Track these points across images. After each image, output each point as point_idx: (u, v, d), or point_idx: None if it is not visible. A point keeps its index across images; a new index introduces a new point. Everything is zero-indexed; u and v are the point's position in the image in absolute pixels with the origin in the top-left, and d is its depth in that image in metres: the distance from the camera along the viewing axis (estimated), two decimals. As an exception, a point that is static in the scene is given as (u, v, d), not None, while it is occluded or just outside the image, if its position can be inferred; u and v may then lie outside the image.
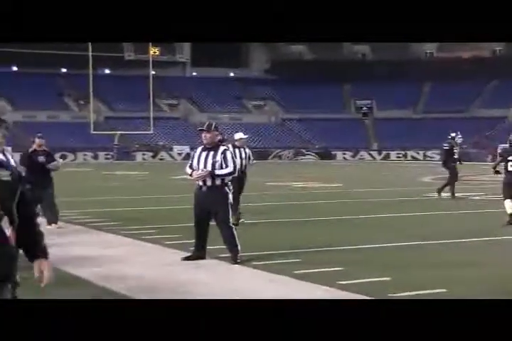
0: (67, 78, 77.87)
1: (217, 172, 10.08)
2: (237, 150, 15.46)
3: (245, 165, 15.42)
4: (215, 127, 10.28)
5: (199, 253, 10.20)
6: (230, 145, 15.61)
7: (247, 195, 17.74)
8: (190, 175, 10.26)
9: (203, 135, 10.29)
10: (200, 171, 10.10)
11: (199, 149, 10.39)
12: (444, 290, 8.03)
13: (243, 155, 15.54)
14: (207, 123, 10.43)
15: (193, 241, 10.29)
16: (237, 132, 17.10)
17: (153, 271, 9.35)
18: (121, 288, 8.25)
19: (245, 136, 16.05)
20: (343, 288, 8.13)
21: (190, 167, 10.30)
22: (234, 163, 10.21)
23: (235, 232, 10.11)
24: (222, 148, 10.31)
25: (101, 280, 8.76)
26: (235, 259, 9.97)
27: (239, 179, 15.27)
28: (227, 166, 10.14)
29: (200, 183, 10.15)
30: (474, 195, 21.58)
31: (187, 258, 10.16)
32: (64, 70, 79.95)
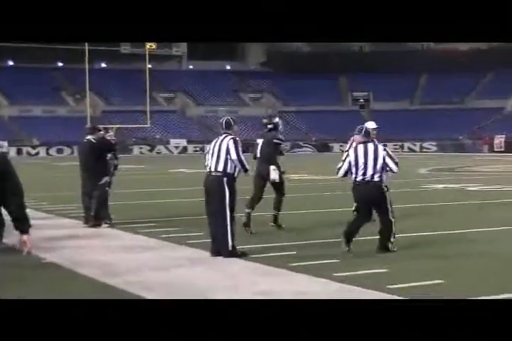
0: (63, 72, 77.67)
1: None
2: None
3: None
4: None
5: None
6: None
7: (244, 188, 17.70)
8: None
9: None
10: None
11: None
12: (442, 281, 8.04)
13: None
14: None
15: (192, 234, 10.09)
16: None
17: (149, 266, 9.34)
18: (119, 283, 8.25)
19: (376, 126, 13.18)
20: (339, 280, 8.13)
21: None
22: None
23: None
24: None
25: (99, 276, 8.76)
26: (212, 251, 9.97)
27: None
28: None
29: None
30: (471, 186, 21.58)
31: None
32: (60, 64, 79.79)
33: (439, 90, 77.24)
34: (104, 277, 8.59)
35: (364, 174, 10.00)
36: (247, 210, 12.20)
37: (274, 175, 12.47)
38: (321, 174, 29.87)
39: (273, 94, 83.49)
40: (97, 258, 9.96)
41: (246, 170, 9.92)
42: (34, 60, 73.32)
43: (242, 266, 9.22)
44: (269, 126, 12.86)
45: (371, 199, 10.11)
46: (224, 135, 9.97)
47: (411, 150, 68.18)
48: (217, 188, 9.73)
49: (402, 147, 69.39)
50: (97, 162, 13.36)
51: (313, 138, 74.04)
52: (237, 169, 9.81)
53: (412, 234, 11.68)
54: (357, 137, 10.38)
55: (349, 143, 13.19)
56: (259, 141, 12.90)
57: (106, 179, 13.33)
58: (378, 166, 9.97)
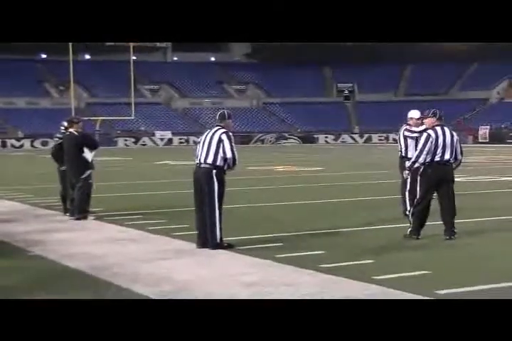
0: (46, 64, 77.35)
1: None
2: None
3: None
4: None
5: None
6: (403, 127, 13.24)
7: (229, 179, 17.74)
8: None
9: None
10: None
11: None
12: (428, 271, 8.08)
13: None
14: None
15: (178, 226, 10.17)
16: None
17: (135, 258, 9.34)
18: (106, 275, 8.25)
19: (421, 116, 12.99)
20: (326, 271, 8.15)
21: None
22: None
23: None
24: None
25: (86, 268, 8.75)
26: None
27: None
28: None
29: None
30: (456, 177, 21.61)
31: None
32: (43, 56, 79.38)
33: (423, 81, 77.42)
34: (92, 269, 8.58)
35: (443, 155, 10.38)
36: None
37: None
38: (306, 166, 29.92)
39: (258, 85, 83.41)
40: (83, 250, 9.94)
41: (235, 164, 9.94)
42: (17, 52, 72.83)
43: (229, 258, 9.23)
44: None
45: (446, 180, 10.51)
46: (217, 127, 9.98)
47: (396, 141, 68.19)
48: (206, 180, 9.77)
49: (387, 138, 69.66)
50: (80, 155, 13.35)
51: (298, 130, 74.12)
52: (227, 161, 9.84)
53: (399, 225, 11.70)
54: (431, 120, 10.67)
55: (401, 130, 13.46)
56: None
57: (88, 172, 13.32)
58: (454, 149, 10.45)
